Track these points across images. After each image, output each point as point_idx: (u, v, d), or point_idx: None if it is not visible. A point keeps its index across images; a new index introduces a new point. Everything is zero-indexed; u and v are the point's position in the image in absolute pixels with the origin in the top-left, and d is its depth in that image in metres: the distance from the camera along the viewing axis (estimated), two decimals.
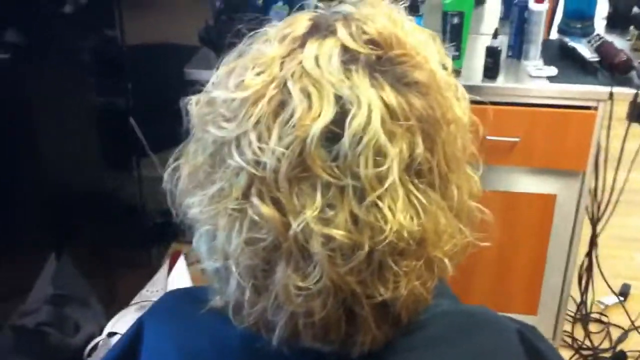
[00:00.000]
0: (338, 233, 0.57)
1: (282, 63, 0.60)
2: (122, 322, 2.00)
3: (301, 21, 0.64)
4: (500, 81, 1.80)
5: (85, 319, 2.06)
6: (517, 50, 1.89)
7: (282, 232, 0.58)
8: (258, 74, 0.60)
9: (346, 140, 0.56)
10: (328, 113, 0.57)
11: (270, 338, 0.64)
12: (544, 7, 1.82)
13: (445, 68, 0.66)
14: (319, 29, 0.63)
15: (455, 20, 1.78)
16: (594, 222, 1.97)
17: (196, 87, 0.69)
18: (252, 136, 0.58)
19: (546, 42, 1.90)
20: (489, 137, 1.79)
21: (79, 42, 1.88)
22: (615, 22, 2.04)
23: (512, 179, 1.88)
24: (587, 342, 2.19)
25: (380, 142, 0.57)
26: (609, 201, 1.92)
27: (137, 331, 0.82)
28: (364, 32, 0.62)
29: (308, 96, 0.58)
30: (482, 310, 0.77)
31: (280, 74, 0.60)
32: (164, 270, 2.16)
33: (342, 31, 0.61)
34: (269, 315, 0.62)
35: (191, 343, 0.74)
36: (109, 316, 2.02)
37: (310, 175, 0.57)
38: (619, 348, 2.21)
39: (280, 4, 1.95)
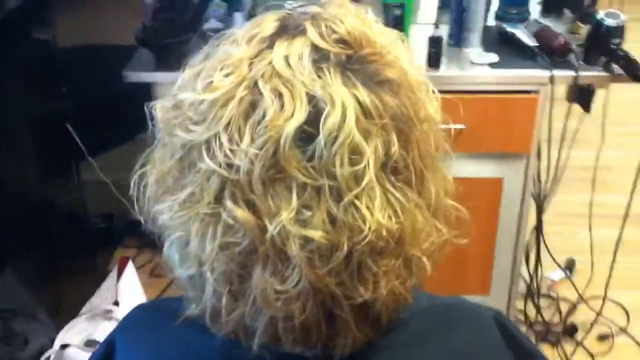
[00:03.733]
0: (316, 234, 0.56)
1: (251, 64, 0.59)
2: (72, 333, 1.95)
3: (269, 22, 0.63)
4: (444, 70, 1.82)
5: (33, 331, 2.00)
6: (458, 38, 1.91)
7: (258, 235, 0.57)
8: (227, 75, 0.59)
9: (321, 139, 0.56)
10: (301, 112, 0.56)
11: (249, 345, 0.63)
12: None
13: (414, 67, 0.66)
14: (287, 29, 0.62)
15: (397, 11, 1.78)
16: (540, 201, 2.02)
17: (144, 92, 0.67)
18: (223, 138, 0.57)
19: (485, 29, 1.92)
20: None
21: (10, 45, 1.81)
22: (550, 6, 2.08)
23: (459, 165, 1.90)
24: (539, 318, 2.25)
25: (356, 140, 0.57)
26: (553, 180, 1.97)
27: (107, 350, 0.79)
28: (334, 32, 0.61)
29: (279, 96, 0.57)
30: (460, 302, 0.78)
31: (250, 75, 0.58)
32: (112, 277, 2.11)
33: (311, 30, 0.61)
34: (248, 320, 0.61)
35: (167, 356, 0.73)
36: (59, 327, 1.97)
37: (285, 176, 0.56)
38: (569, 321, 2.28)
39: (218, 1, 1.91)
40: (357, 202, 0.57)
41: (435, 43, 1.80)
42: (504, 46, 1.89)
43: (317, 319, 0.60)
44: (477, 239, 2.04)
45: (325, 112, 0.56)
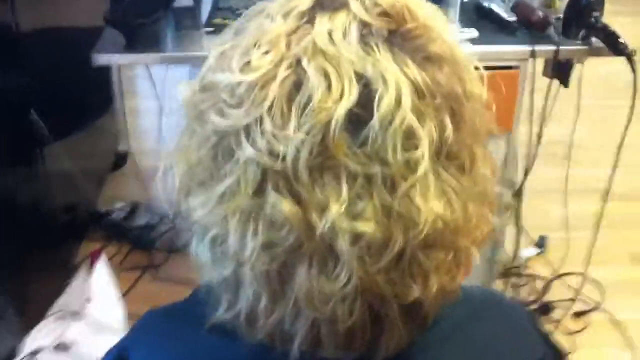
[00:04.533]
0: (368, 228, 0.52)
1: (289, 40, 0.54)
2: (42, 335, 1.86)
3: None
4: None
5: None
6: None
7: (304, 230, 0.52)
8: (265, 53, 0.54)
9: (376, 123, 0.51)
10: (352, 93, 0.51)
11: (285, 350, 0.58)
12: None
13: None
14: (326, 2, 0.56)
15: None
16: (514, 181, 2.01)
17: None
18: (266, 123, 0.52)
19: (461, 5, 1.89)
20: None
21: None
22: None
23: None
24: (515, 296, 2.25)
25: (411, 123, 0.52)
26: (533, 156, 1.96)
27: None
28: (376, 4, 0.56)
29: (326, 75, 0.52)
30: (493, 294, 0.76)
31: (291, 53, 0.53)
32: (82, 272, 2.02)
33: (354, 3, 0.55)
34: (287, 324, 0.56)
35: None
36: (27, 327, 1.87)
37: (334, 164, 0.51)
38: (544, 299, 2.28)
39: None
40: (412, 192, 0.52)
41: None
42: (482, 21, 1.87)
43: (363, 321, 0.56)
44: None
45: (378, 93, 0.52)
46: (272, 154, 0.51)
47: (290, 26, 0.55)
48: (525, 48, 1.75)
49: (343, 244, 0.52)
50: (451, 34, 0.60)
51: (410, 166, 0.52)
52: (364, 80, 0.52)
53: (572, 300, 2.22)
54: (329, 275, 0.53)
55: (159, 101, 2.36)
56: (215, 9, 1.95)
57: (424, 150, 0.52)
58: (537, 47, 1.75)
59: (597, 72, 2.10)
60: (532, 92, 1.79)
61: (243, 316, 0.58)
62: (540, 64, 1.86)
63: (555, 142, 2.07)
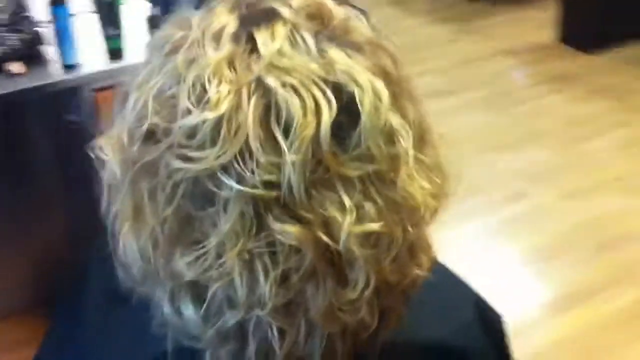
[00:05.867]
0: (377, 226, 0.52)
1: (234, 66, 0.51)
2: None
3: (223, 14, 0.55)
4: None
5: None
6: (166, 12, 1.85)
7: (316, 249, 0.51)
8: (218, 84, 0.50)
9: (365, 124, 0.51)
10: (328, 102, 0.50)
11: None
12: None
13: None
14: (254, 17, 0.54)
15: None
16: None
17: None
18: (251, 155, 0.49)
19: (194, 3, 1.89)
20: None
21: None
22: None
23: None
24: None
25: (394, 117, 0.53)
26: None
27: None
28: (300, 9, 0.55)
29: (295, 90, 0.50)
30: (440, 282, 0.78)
31: (246, 78, 0.50)
32: None
33: (284, 11, 0.54)
34: (300, 348, 0.54)
35: None
36: None
37: (328, 176, 0.51)
38: None
39: None
40: (405, 181, 0.54)
41: (155, 23, 1.73)
42: None
43: (372, 319, 0.55)
44: None
45: (357, 95, 0.51)
46: (266, 184, 0.49)
47: (228, 51, 0.52)
48: None
49: (356, 250, 0.51)
50: (356, 19, 0.59)
51: (399, 157, 0.53)
52: (333, 85, 0.51)
53: None
54: (346, 284, 0.52)
55: None
56: None
57: (408, 139, 0.53)
58: None
59: None
60: None
61: (254, 357, 0.55)
62: None
63: None
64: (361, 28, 0.57)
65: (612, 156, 2.90)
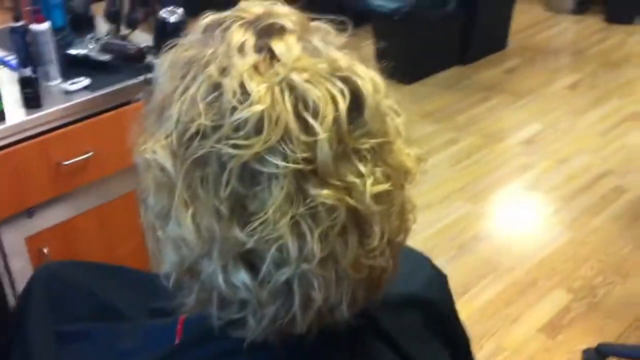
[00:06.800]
0: (387, 186, 0.65)
1: (260, 70, 0.62)
2: None
3: (240, 32, 0.66)
4: (49, 107, 1.75)
5: None
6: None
7: (346, 207, 0.62)
8: (257, 85, 0.61)
9: (370, 105, 0.64)
10: (342, 91, 0.63)
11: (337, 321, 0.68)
12: (46, 25, 1.81)
13: None
14: (267, 30, 0.66)
15: None
16: None
17: None
18: (292, 138, 0.60)
19: (60, 60, 1.89)
20: (65, 163, 1.75)
21: None
22: (78, 25, 2.14)
23: (102, 191, 1.90)
24: None
25: (388, 97, 0.68)
26: None
27: None
28: (295, 22, 0.67)
29: (314, 84, 0.62)
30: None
31: (274, 78, 0.62)
32: None
33: (287, 23, 0.66)
34: (332, 298, 0.65)
35: None
36: None
37: (346, 151, 0.63)
38: None
39: None
40: (400, 149, 0.68)
41: (29, 83, 1.72)
42: (83, 69, 1.90)
43: (388, 264, 0.68)
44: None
45: (360, 84, 0.64)
46: (305, 160, 0.60)
47: (253, 59, 0.63)
48: (137, 80, 1.87)
49: (374, 206, 0.63)
50: (329, 28, 0.71)
51: (396, 130, 0.67)
52: (341, 78, 0.63)
53: None
54: (367, 237, 0.64)
55: None
56: None
57: (397, 110, 0.68)
58: (148, 76, 1.88)
59: None
60: None
61: (299, 313, 0.65)
62: None
63: None
64: (335, 35, 0.71)
65: (450, 170, 3.21)
